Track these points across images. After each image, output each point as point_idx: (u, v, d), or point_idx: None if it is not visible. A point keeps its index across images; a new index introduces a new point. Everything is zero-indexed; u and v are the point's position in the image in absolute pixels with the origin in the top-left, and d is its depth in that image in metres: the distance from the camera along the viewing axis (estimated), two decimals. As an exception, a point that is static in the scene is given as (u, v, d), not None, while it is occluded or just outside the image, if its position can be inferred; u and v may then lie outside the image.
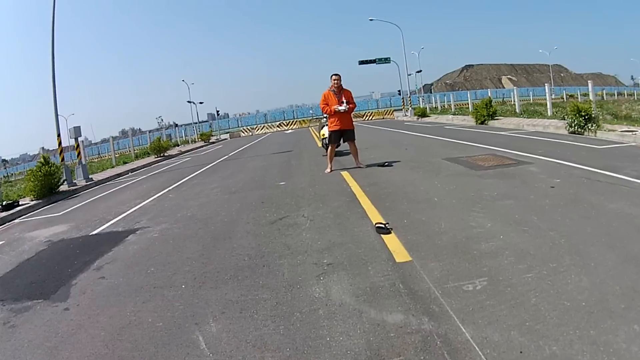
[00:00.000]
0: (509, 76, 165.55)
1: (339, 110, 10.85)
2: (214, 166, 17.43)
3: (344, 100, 10.90)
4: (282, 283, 4.45)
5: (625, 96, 62.56)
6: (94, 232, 7.89)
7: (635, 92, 72.13)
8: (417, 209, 6.55)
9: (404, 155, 12.78)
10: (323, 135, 14.03)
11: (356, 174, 10.18)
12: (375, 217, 6.26)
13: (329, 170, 11.19)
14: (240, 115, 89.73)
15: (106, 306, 4.46)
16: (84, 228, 8.40)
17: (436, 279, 4.07)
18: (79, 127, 18.35)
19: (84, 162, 18.67)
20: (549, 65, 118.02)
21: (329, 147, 11.50)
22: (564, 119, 15.05)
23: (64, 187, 15.49)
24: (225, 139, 48.72)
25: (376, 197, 7.55)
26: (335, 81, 10.97)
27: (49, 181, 14.14)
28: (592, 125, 13.02)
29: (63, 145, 17.96)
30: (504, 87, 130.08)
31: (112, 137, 30.42)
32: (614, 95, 64.42)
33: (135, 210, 9.52)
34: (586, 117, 13.15)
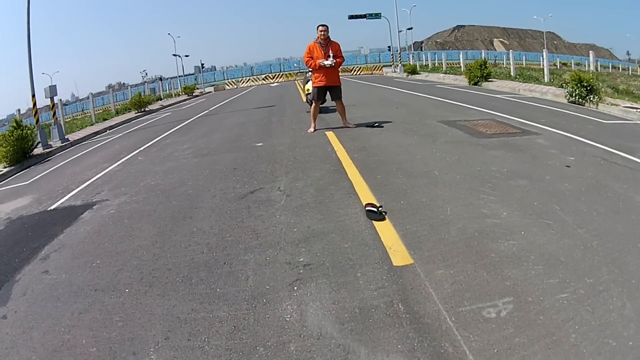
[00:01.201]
0: (501, 39, 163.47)
1: (325, 64, 9.62)
2: (191, 122, 16.13)
3: (331, 54, 9.65)
4: (244, 294, 3.42)
5: (620, 70, 61.85)
6: (53, 207, 6.95)
7: (630, 67, 71.47)
8: (416, 185, 5.50)
9: (395, 115, 11.64)
10: (307, 90, 12.83)
11: (343, 136, 9.08)
12: (365, 195, 5.22)
13: (312, 129, 10.07)
14: (227, 68, 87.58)
15: (43, 315, 3.62)
16: (45, 201, 7.45)
17: (447, 297, 3.07)
18: (55, 86, 17.20)
19: (60, 123, 17.46)
20: (542, 32, 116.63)
21: (313, 105, 10.33)
22: (562, 87, 14.62)
23: (38, 150, 14.53)
24: (210, 92, 46.84)
25: (365, 167, 6.49)
26: (322, 32, 9.69)
27: (22, 145, 13.25)
28: (593, 97, 12.50)
29: (54, 110, 17.04)
30: (495, 50, 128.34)
31: (92, 93, 28.59)
32: (609, 67, 63.48)
33: (99, 178, 8.50)
34: (588, 87, 12.63)
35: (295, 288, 3.38)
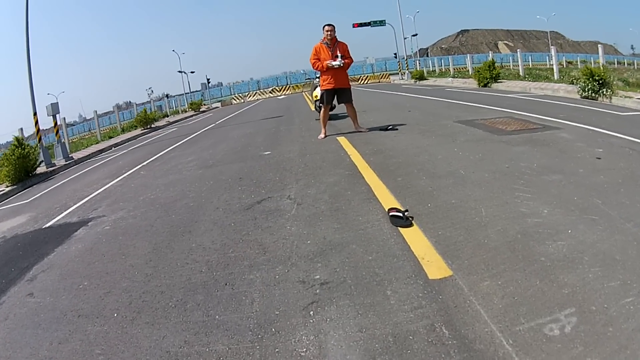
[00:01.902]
0: (505, 41, 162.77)
1: (333, 65, 9.10)
2: (197, 136, 15.77)
3: (339, 54, 9.14)
4: (249, 321, 2.84)
5: (625, 65, 61.08)
6: (48, 225, 6.59)
7: (635, 61, 70.56)
8: (442, 186, 4.92)
9: (408, 118, 11.08)
10: (315, 96, 12.39)
11: (355, 140, 8.51)
12: (387, 200, 4.65)
13: (322, 135, 9.53)
14: (234, 83, 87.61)
15: (21, 344, 3.18)
16: (41, 219, 7.08)
17: (500, 314, 2.49)
18: (57, 103, 16.87)
19: (63, 141, 17.21)
20: (546, 32, 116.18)
21: (322, 109, 9.80)
22: (573, 83, 14.30)
23: (42, 169, 14.28)
24: (217, 107, 46.81)
25: (384, 170, 5.91)
26: (329, 32, 9.18)
27: (24, 164, 13.00)
28: (606, 91, 12.16)
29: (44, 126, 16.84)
30: (500, 52, 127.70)
31: (96, 111, 28.67)
32: (614, 63, 62.71)
33: (98, 194, 8.10)
34: (600, 81, 12.30)
35: (312, 313, 2.80)
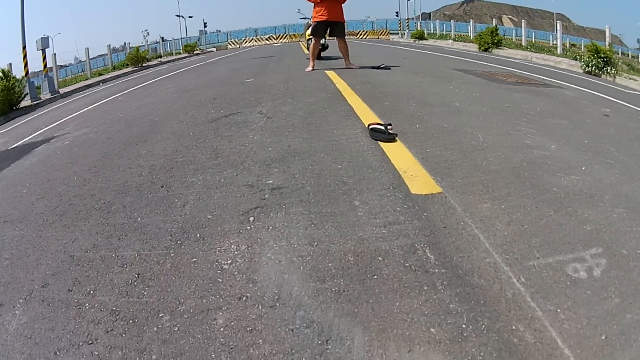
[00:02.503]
0: (510, 16, 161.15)
1: None
2: (184, 71, 14.90)
3: None
4: (172, 225, 2.25)
5: (630, 57, 60.61)
6: (14, 146, 6.12)
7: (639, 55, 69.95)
8: (433, 112, 4.27)
9: (403, 63, 10.25)
10: (308, 35, 11.60)
11: (344, 73, 7.76)
12: (369, 118, 4.00)
13: (310, 68, 8.71)
14: (231, 31, 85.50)
15: None
16: (10, 142, 6.58)
17: (505, 243, 1.90)
18: (47, 37, 16.36)
19: (51, 75, 16.66)
20: (552, 13, 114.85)
21: (312, 42, 8.99)
22: (576, 59, 13.70)
23: (26, 102, 13.84)
24: (212, 51, 45.49)
25: (370, 96, 5.21)
26: None
27: (8, 97, 12.62)
28: (610, 69, 11.70)
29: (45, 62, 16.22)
30: (504, 26, 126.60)
31: (87, 48, 27.49)
32: (618, 53, 62.04)
33: (71, 117, 7.45)
34: (605, 59, 11.88)
35: (252, 219, 2.18)
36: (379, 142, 3.17)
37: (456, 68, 9.15)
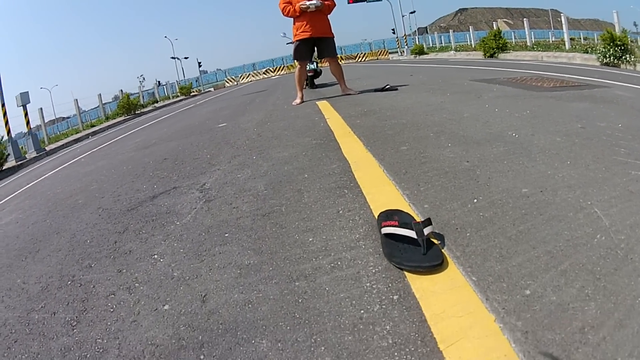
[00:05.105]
0: (505, 19, 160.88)
1: (308, 7, 6.80)
2: (167, 117, 13.71)
3: None
4: None
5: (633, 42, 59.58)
6: None
7: (638, 39, 68.70)
8: (487, 158, 2.56)
9: (411, 81, 8.61)
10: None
11: (340, 103, 6.17)
12: (378, 190, 2.32)
13: (298, 101, 7.13)
14: (229, 69, 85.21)
15: None
16: None
17: None
18: (27, 92, 15.55)
19: (34, 132, 15.95)
20: (545, 10, 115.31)
21: (297, 68, 7.42)
22: (588, 52, 13.43)
23: (10, 164, 13.14)
24: (209, 90, 44.76)
25: (376, 135, 3.56)
26: None
27: None
28: (630, 57, 11.09)
29: (27, 118, 15.60)
30: (500, 30, 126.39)
31: (76, 99, 27.06)
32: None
33: (21, 192, 5.94)
34: (622, 47, 11.29)
35: None
36: (408, 275, 1.47)
37: (474, 79, 7.61)
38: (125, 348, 1.38)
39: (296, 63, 7.38)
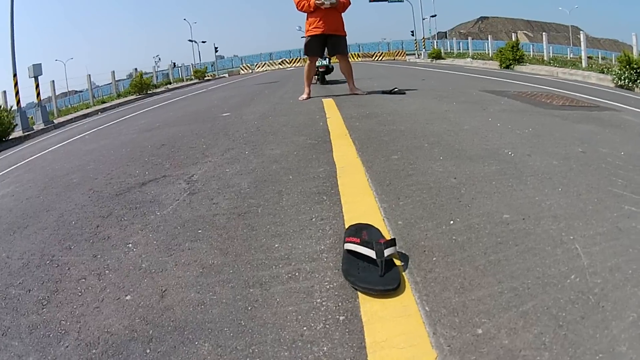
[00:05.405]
0: (525, 31, 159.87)
1: (323, 3, 6.71)
2: (177, 100, 13.64)
3: None
4: None
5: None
6: None
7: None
8: (475, 176, 2.49)
9: (421, 85, 8.54)
10: None
11: (345, 102, 6.08)
12: (357, 201, 2.28)
13: (305, 96, 7.06)
14: (245, 56, 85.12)
15: None
16: None
17: None
18: (39, 64, 15.38)
19: (43, 105, 15.80)
20: (566, 26, 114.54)
21: (307, 63, 7.40)
22: (604, 72, 12.83)
23: (17, 134, 13.14)
24: (224, 76, 44.57)
25: (370, 140, 3.53)
26: None
27: None
28: None
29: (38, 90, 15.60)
30: (519, 41, 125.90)
31: (89, 75, 27.07)
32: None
33: (21, 165, 5.97)
34: (638, 71, 10.76)
35: None
36: (360, 296, 1.43)
37: (485, 89, 7.47)
38: (84, 332, 1.42)
39: (306, 58, 7.33)
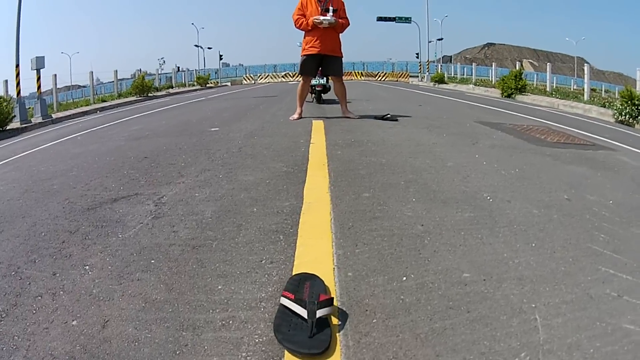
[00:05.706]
0: (530, 60, 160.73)
1: (322, 22, 6.62)
2: (174, 107, 13.67)
3: (331, 8, 6.66)
4: None
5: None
6: None
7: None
8: (446, 225, 2.37)
9: (417, 112, 8.51)
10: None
11: (334, 126, 6.00)
12: (314, 244, 2.17)
13: (296, 116, 6.97)
14: (250, 66, 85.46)
15: None
16: None
17: None
18: (42, 57, 15.36)
19: (43, 98, 15.68)
20: (571, 57, 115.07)
21: (300, 83, 7.34)
22: (605, 106, 12.97)
23: (15, 125, 13.23)
24: (226, 84, 44.77)
25: (347, 172, 3.43)
26: None
27: None
28: None
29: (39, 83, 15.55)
30: (524, 70, 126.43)
31: (92, 72, 26.73)
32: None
33: (9, 161, 5.99)
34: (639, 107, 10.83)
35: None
36: (286, 355, 1.37)
37: (480, 120, 7.38)
38: (31, 352, 1.44)
39: (301, 77, 7.26)
